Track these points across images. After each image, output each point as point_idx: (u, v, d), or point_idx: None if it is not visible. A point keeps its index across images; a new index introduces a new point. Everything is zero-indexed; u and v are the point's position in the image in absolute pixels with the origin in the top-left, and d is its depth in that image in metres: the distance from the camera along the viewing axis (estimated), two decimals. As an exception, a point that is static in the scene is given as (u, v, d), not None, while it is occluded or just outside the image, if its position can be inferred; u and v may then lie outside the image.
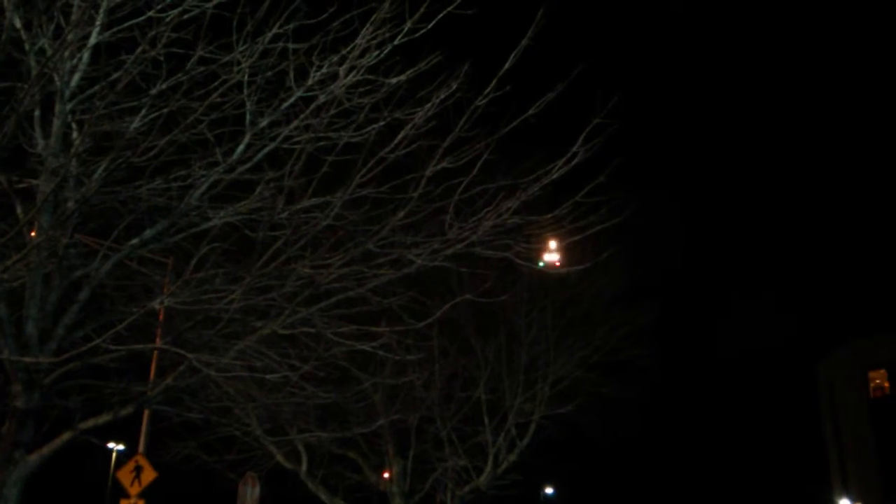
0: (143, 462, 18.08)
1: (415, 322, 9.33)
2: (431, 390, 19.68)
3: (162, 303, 7.12)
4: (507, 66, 8.15)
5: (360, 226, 8.35)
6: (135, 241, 8.59)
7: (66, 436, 8.05)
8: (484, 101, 8.27)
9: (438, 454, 20.78)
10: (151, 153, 8.34)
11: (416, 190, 8.30)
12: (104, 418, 8.21)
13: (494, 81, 8.15)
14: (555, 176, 8.25)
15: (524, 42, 8.11)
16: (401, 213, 8.28)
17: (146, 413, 18.59)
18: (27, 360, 7.42)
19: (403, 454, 20.73)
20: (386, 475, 21.48)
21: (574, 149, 8.05)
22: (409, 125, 8.69)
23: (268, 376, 8.07)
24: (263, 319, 8.20)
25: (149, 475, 17.91)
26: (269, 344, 8.50)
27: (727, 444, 34.72)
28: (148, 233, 8.66)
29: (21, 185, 8.99)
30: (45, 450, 7.96)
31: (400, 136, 8.60)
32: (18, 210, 8.65)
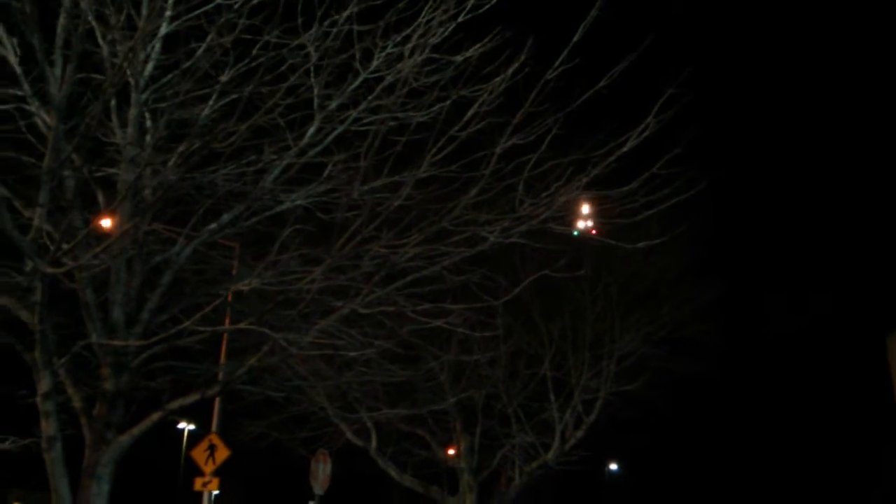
0: (216, 441, 18.50)
1: (489, 299, 9.36)
2: (497, 367, 19.74)
3: (248, 284, 7.28)
4: (576, 38, 8.07)
5: (432, 204, 8.40)
6: (212, 226, 8.78)
7: (155, 416, 8.31)
8: (554, 75, 8.21)
9: (506, 430, 20.86)
10: (225, 141, 8.48)
11: (486, 168, 8.29)
12: (191, 398, 8.45)
13: (565, 53, 8.08)
14: (626, 148, 8.16)
15: (593, 13, 8.02)
16: (473, 192, 8.30)
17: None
18: (117, 343, 7.67)
19: (470, 431, 20.86)
20: (451, 451, 21.66)
21: (648, 120, 7.95)
22: (478, 102, 8.68)
23: (352, 353, 8.20)
24: (340, 299, 8.32)
25: (222, 453, 18.29)
26: (348, 323, 8.62)
27: (795, 419, 34.10)
28: (225, 217, 8.84)
29: (99, 174, 9.26)
30: (136, 430, 8.23)
31: (469, 114, 8.60)
32: (100, 198, 8.90)
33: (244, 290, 7.23)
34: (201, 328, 7.59)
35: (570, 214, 8.94)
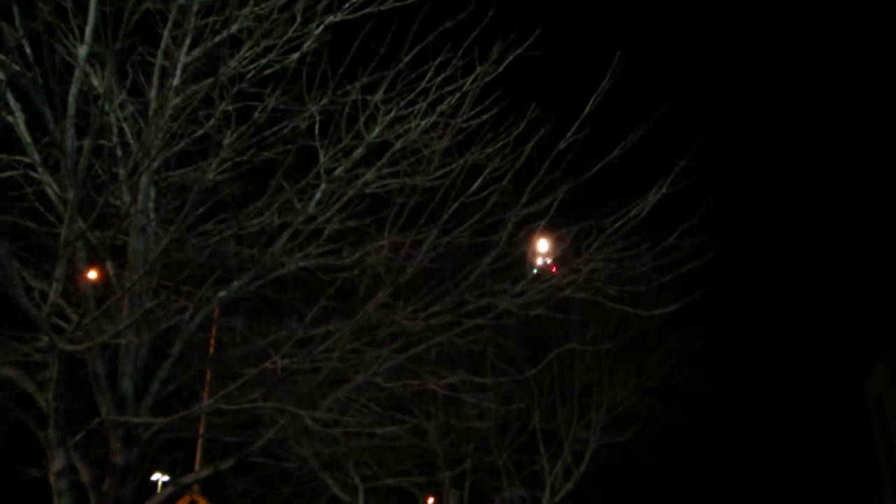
0: (198, 497, 18.13)
1: (509, 367, 9.32)
2: (486, 420, 19.66)
3: (276, 363, 7.21)
4: (587, 109, 8.21)
5: (448, 272, 8.42)
6: (223, 293, 8.71)
7: (166, 490, 8.14)
8: (565, 146, 8.33)
9: (495, 484, 20.71)
10: (241, 212, 8.47)
11: (501, 235, 8.35)
12: (205, 472, 8.30)
13: (576, 124, 8.22)
14: (642, 214, 8.29)
15: (604, 84, 8.18)
16: (488, 259, 8.34)
17: (199, 445, 18.70)
18: (136, 420, 7.54)
19: (459, 485, 20.67)
20: (430, 502, 21.40)
21: (662, 189, 8.09)
22: (487, 170, 8.77)
23: (380, 431, 8.13)
24: (355, 368, 8.27)
25: (204, 511, 17.94)
26: (359, 392, 8.58)
27: (779, 462, 34.26)
28: (235, 285, 8.78)
29: (104, 240, 9.17)
30: (147, 505, 8.06)
31: (480, 179, 8.68)
32: (108, 266, 8.80)
33: (271, 367, 7.14)
34: (226, 406, 7.48)
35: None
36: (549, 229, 8.80)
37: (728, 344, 26.37)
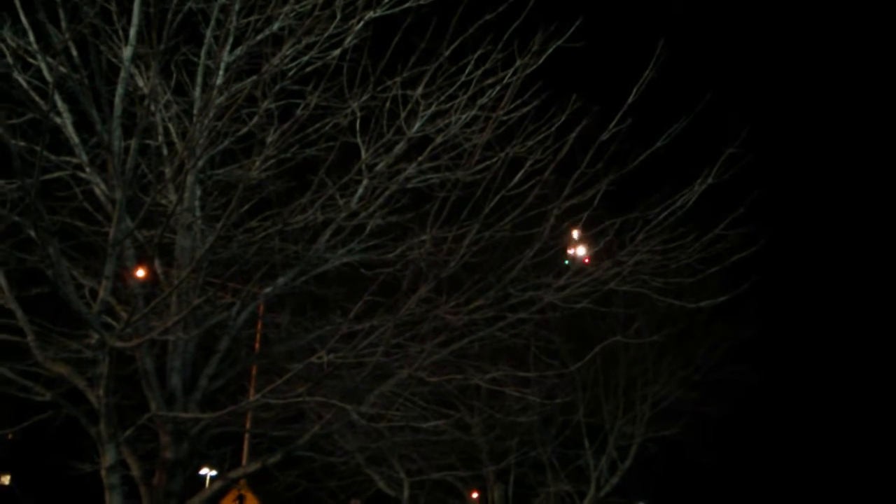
0: (245, 491, 18.37)
1: (552, 362, 9.26)
2: (530, 415, 19.59)
3: (321, 358, 7.26)
4: (630, 99, 8.12)
5: (491, 266, 8.40)
6: (268, 289, 8.79)
7: (216, 485, 8.25)
8: (607, 137, 8.25)
9: (539, 479, 20.65)
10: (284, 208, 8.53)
11: (544, 228, 8.30)
12: (253, 466, 8.40)
13: (619, 115, 8.12)
14: (688, 205, 8.18)
15: (647, 74, 8.07)
16: (530, 252, 8.29)
17: (246, 440, 18.92)
18: (184, 415, 7.65)
19: (504, 479, 20.65)
20: (475, 495, 21.40)
21: (708, 179, 7.97)
22: (529, 162, 8.72)
23: (425, 426, 8.15)
24: (399, 362, 8.30)
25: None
26: (404, 386, 8.60)
27: (827, 458, 33.58)
28: (280, 280, 8.85)
29: (152, 239, 9.32)
30: (196, 499, 8.17)
31: (522, 172, 8.63)
32: (157, 264, 8.93)
33: (322, 361, 7.19)
34: (273, 401, 7.56)
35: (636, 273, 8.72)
36: (592, 221, 8.71)
37: (777, 337, 25.88)
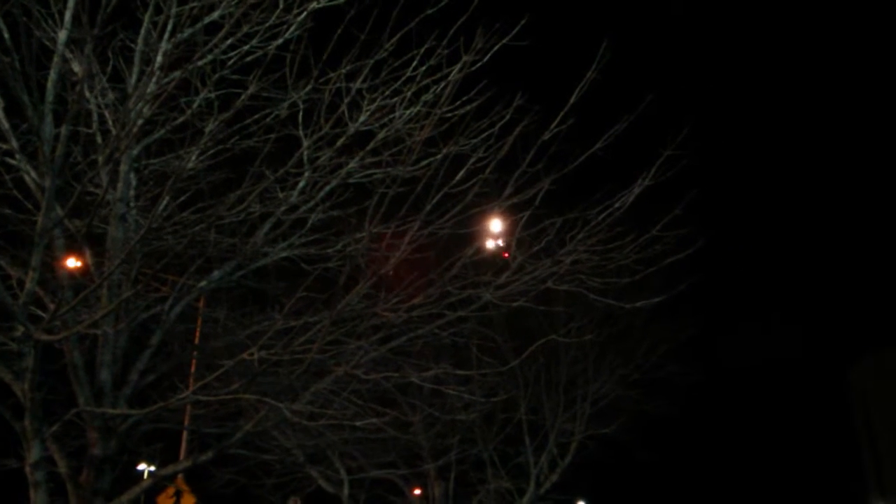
0: (183, 487, 18.07)
1: (489, 360, 9.26)
2: (471, 412, 19.61)
3: (252, 354, 7.11)
4: (573, 99, 8.14)
5: (431, 263, 8.35)
6: (203, 283, 8.60)
7: (145, 483, 8.05)
8: (549, 136, 8.26)
9: (480, 475, 20.69)
10: (217, 197, 8.36)
11: (483, 226, 8.27)
12: (183, 464, 8.21)
13: (561, 115, 8.14)
14: (626, 206, 8.23)
15: (590, 74, 8.10)
16: (470, 250, 8.26)
17: (184, 436, 18.61)
18: (113, 411, 7.43)
19: (445, 476, 20.64)
20: (417, 492, 21.37)
21: (646, 180, 8.03)
22: (472, 159, 8.69)
23: (359, 423, 8.06)
24: (336, 359, 8.19)
25: (188, 501, 17.91)
26: (339, 385, 8.50)
27: (764, 455, 34.43)
28: (216, 274, 8.68)
29: (82, 228, 9.05)
30: (124, 497, 7.95)
31: (464, 170, 8.59)
32: (87, 255, 8.68)
33: (248, 359, 7.04)
34: (204, 398, 7.39)
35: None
36: (532, 220, 8.71)
37: (714, 337, 26.42)
